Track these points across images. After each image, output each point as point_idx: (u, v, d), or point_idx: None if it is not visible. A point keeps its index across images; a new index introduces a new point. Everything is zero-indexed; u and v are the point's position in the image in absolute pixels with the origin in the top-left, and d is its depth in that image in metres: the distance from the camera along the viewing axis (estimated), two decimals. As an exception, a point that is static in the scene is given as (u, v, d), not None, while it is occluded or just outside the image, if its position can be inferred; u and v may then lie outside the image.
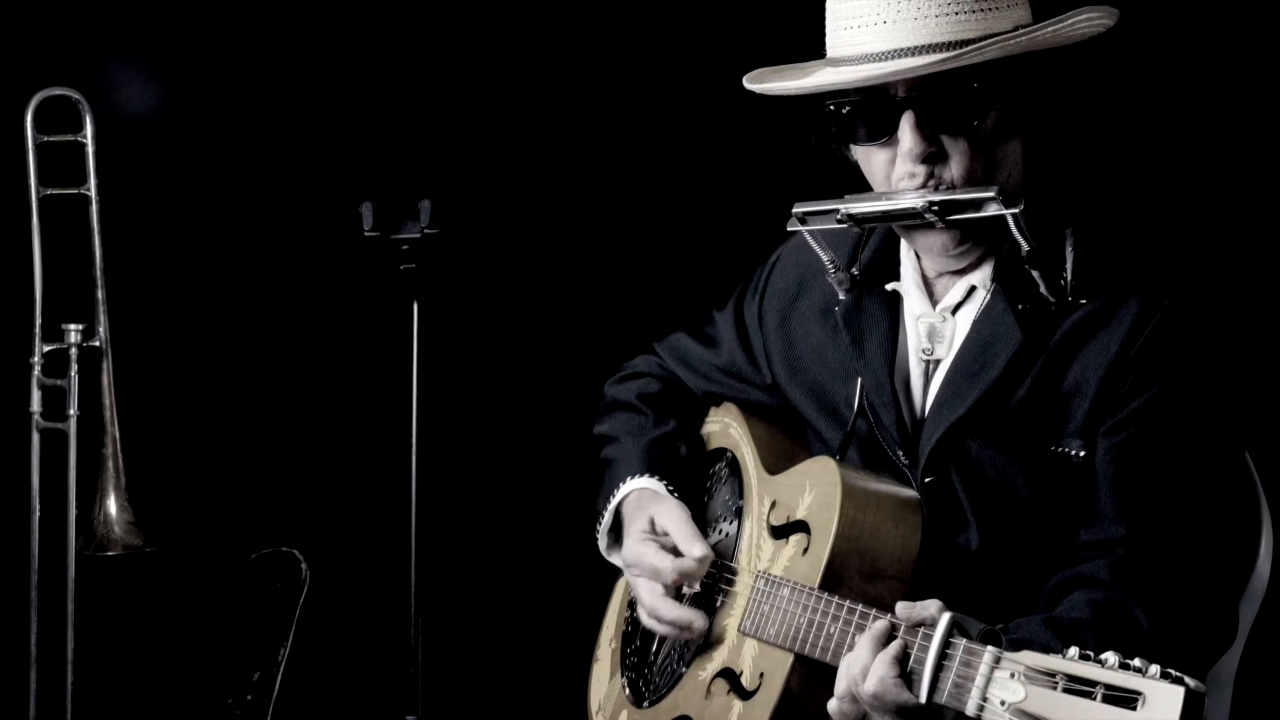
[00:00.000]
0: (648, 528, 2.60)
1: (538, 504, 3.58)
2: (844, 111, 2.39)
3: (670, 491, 2.65)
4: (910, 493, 2.42)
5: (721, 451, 2.72)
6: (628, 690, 2.68)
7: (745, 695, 2.44)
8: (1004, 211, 2.29)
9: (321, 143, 3.63)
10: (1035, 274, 2.34)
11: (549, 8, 3.62)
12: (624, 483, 2.67)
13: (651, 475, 2.66)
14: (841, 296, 2.53)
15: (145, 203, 3.53)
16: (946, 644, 2.14)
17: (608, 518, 2.68)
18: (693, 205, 3.59)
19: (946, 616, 2.16)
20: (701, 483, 2.72)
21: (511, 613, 3.67)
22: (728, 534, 2.62)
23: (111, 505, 3.15)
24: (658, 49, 3.58)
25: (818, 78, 2.40)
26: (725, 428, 2.73)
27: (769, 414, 2.70)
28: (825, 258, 2.51)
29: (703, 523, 2.67)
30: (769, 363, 2.67)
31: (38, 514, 3.17)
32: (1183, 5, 3.22)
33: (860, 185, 2.45)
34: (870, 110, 2.36)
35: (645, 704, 2.64)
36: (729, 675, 2.48)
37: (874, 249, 2.54)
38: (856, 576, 2.36)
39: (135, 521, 3.16)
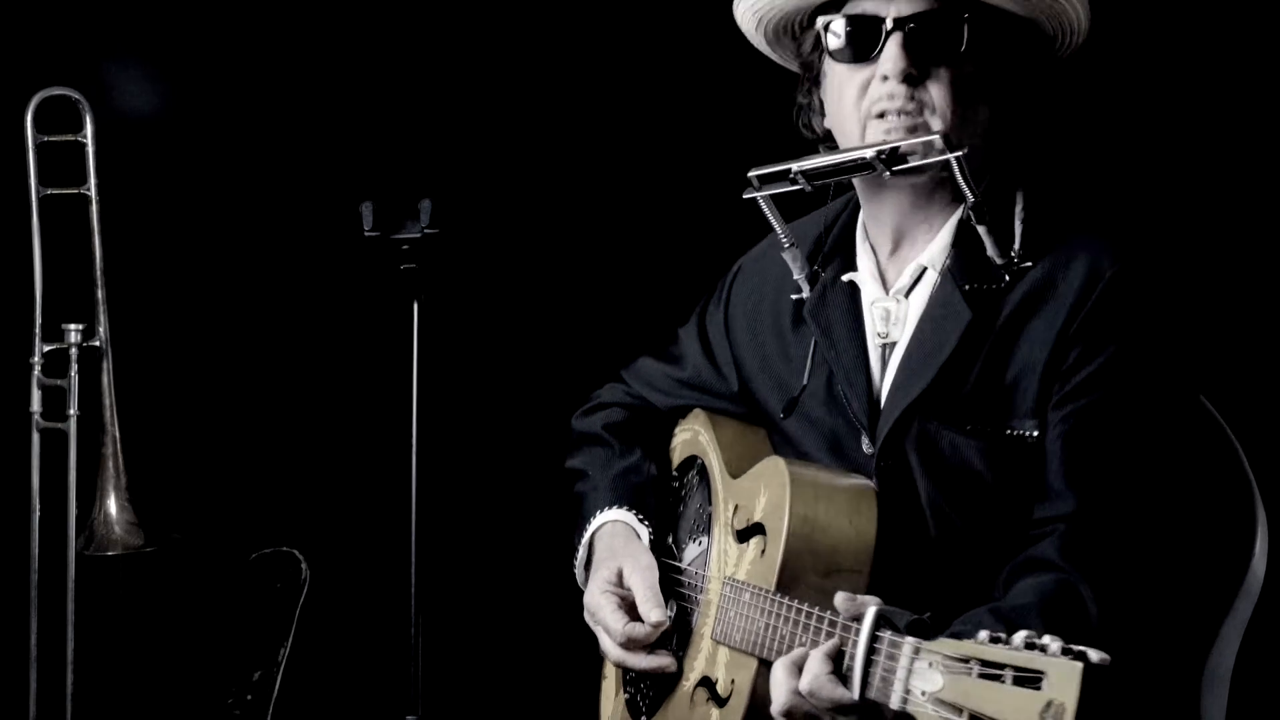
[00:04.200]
0: (614, 579, 2.61)
1: (537, 504, 3.57)
2: (832, 27, 2.44)
3: (641, 521, 2.66)
4: (865, 483, 2.42)
5: (693, 459, 2.72)
6: (626, 707, 2.69)
7: (721, 703, 2.44)
8: (948, 155, 2.34)
9: (321, 143, 3.63)
10: (981, 230, 2.37)
11: (548, 9, 3.62)
12: (595, 516, 2.70)
13: (621, 506, 2.68)
14: (806, 294, 2.56)
15: (145, 203, 3.53)
16: (874, 638, 2.13)
17: (582, 553, 2.70)
18: (693, 203, 3.59)
19: (872, 610, 2.14)
20: (677, 493, 2.74)
21: (511, 612, 3.67)
22: (703, 544, 2.62)
23: (111, 505, 3.14)
24: (658, 50, 3.58)
25: None
26: (695, 435, 2.73)
27: (736, 415, 2.71)
28: (780, 230, 2.54)
29: (680, 534, 2.69)
30: (738, 368, 2.69)
31: (38, 514, 3.17)
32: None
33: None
34: (860, 30, 2.41)
35: (642, 718, 2.65)
36: (708, 684, 2.48)
37: (834, 241, 2.57)
38: (812, 574, 2.35)
39: (135, 521, 3.15)
